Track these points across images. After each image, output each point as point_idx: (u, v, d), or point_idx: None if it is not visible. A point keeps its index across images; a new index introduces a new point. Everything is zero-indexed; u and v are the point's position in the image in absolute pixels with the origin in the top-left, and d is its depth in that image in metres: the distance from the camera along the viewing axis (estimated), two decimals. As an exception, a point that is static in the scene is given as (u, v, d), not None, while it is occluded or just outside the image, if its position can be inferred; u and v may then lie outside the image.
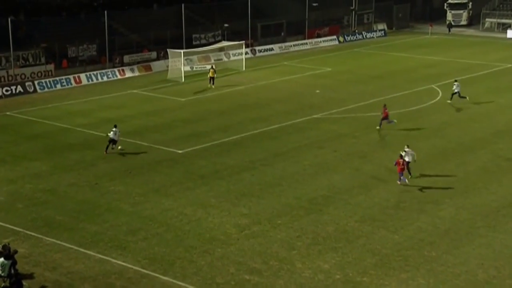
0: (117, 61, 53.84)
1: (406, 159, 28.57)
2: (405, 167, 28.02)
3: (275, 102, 43.00)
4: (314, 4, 69.22)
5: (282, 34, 67.58)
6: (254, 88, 47.62)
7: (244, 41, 57.10)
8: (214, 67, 49.30)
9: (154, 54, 56.38)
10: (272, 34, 66.48)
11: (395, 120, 36.10)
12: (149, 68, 54.06)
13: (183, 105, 42.71)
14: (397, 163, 28.27)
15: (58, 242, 22.84)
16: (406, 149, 29.03)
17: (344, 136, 35.16)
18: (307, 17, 69.14)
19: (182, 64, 50.94)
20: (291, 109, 40.89)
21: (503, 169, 30.01)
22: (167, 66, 53.07)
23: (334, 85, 47.49)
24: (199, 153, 32.49)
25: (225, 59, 58.58)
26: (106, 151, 32.12)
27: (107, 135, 32.36)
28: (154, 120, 38.87)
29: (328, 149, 33.01)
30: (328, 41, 68.55)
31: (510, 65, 55.05)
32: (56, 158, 31.93)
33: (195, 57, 56.44)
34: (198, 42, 59.60)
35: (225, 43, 56.85)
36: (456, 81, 42.43)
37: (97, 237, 23.19)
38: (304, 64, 57.44)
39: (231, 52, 59.04)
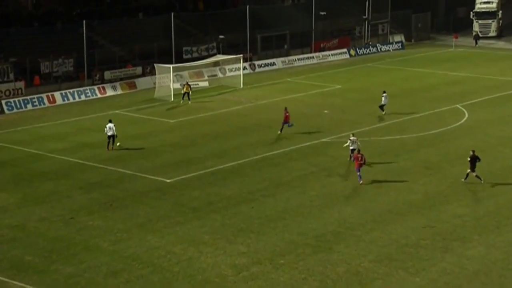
0: (97, 77, 54.12)
1: (351, 147, 33.75)
2: (363, 161, 31.61)
3: (278, 124, 43.12)
4: (322, 13, 69.77)
5: (285, 46, 68.01)
6: (254, 108, 47.76)
7: (242, 55, 57.45)
8: (189, 83, 49.65)
9: (139, 70, 56.68)
10: (273, 47, 66.92)
11: (293, 123, 39.61)
12: (133, 86, 54.32)
13: (172, 127, 42.81)
14: (355, 158, 32.03)
15: (27, 286, 22.66)
16: (352, 138, 34.18)
17: (357, 163, 35.20)
18: (313, 27, 69.67)
19: (171, 81, 51.19)
20: (295, 132, 40.98)
21: (540, 201, 29.98)
22: (154, 83, 53.30)
23: (345, 104, 47.65)
24: (190, 183, 32.47)
25: (220, 75, 58.86)
26: (108, 148, 37.12)
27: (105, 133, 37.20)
28: (139, 144, 38.94)
29: (338, 178, 33.00)
30: (337, 55, 68.98)
31: (546, 82, 55.36)
32: (25, 188, 31.89)
33: (186, 73, 56.67)
34: (189, 56, 59.95)
35: (220, 57, 57.16)
36: (384, 92, 44.31)
37: (72, 280, 23.04)
38: (311, 80, 57.69)
39: (227, 67, 59.34)
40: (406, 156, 36.43)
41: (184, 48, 60.28)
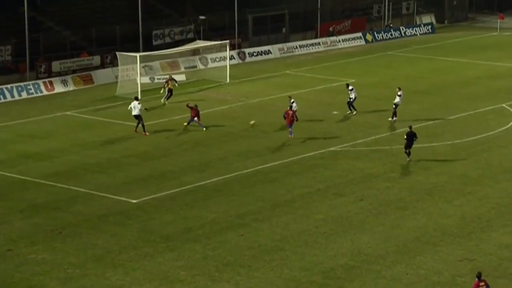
0: (42, 69, 54.03)
1: (294, 108, 41.41)
2: (294, 118, 40.04)
3: (274, 129, 43.11)
4: (330, -13, 70.01)
5: (284, 30, 68.08)
6: (243, 108, 47.77)
7: (228, 41, 57.48)
8: (173, 77, 49.78)
9: (97, 60, 56.60)
10: (269, 31, 66.95)
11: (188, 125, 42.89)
12: (89, 80, 54.25)
13: (140, 133, 42.76)
14: (287, 114, 40.27)
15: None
16: (292, 100, 42.19)
17: (375, 178, 35.22)
18: (319, 5, 69.82)
19: (139, 74, 51.13)
20: (296, 139, 41.02)
21: None
22: (116, 77, 53.24)
23: (360, 103, 47.69)
24: (162, 204, 32.42)
25: (200, 66, 58.81)
26: (135, 129, 42.14)
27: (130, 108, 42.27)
28: (96, 155, 38.88)
29: (351, 197, 33.02)
30: (350, 41, 69.11)
31: None
32: (-50, 211, 31.76)
33: (157, 64, 56.64)
34: (161, 42, 59.92)
35: (200, 44, 57.12)
36: (348, 85, 45.63)
37: (10, 329, 22.93)
38: (316, 73, 57.71)
39: (209, 56, 59.30)
40: (438, 169, 36.47)
41: (154, 32, 60.24)
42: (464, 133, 42.00)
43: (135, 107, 41.74)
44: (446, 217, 30.80)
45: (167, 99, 48.25)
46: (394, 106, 43.64)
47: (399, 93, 43.57)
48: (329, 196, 33.19)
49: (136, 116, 41.95)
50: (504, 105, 47.55)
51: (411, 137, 36.74)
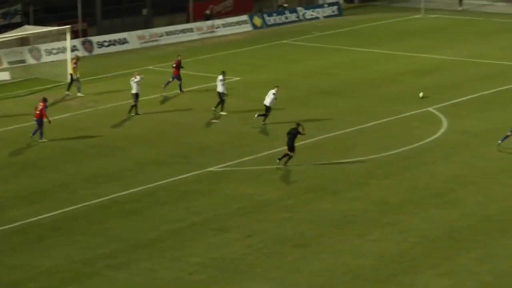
0: None
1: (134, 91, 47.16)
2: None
3: (134, 144, 42.84)
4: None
5: (144, 11, 67.85)
6: (90, 117, 47.31)
7: (69, 26, 56.83)
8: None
9: None
10: (124, 13, 66.63)
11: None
12: None
13: None
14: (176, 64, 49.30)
15: None
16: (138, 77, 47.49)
17: (268, 207, 35.37)
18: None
19: None
20: (164, 157, 40.97)
21: None
22: None
23: (244, 107, 47.90)
24: (-20, 248, 31.81)
25: (31, 60, 57.99)
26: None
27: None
28: None
29: (237, 233, 33.01)
30: (233, 26, 69.34)
31: None
32: None
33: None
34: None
35: (31, 30, 56.34)
36: (224, 74, 47.80)
37: None
38: (188, 69, 57.66)
39: (43, 47, 58.59)
40: (349, 194, 36.80)
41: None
42: (383, 145, 42.52)
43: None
44: (359, 256, 31.07)
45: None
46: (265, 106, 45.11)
47: (273, 91, 44.89)
48: (207, 232, 33.14)
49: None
50: (430, 108, 48.33)
51: (293, 135, 38.73)
